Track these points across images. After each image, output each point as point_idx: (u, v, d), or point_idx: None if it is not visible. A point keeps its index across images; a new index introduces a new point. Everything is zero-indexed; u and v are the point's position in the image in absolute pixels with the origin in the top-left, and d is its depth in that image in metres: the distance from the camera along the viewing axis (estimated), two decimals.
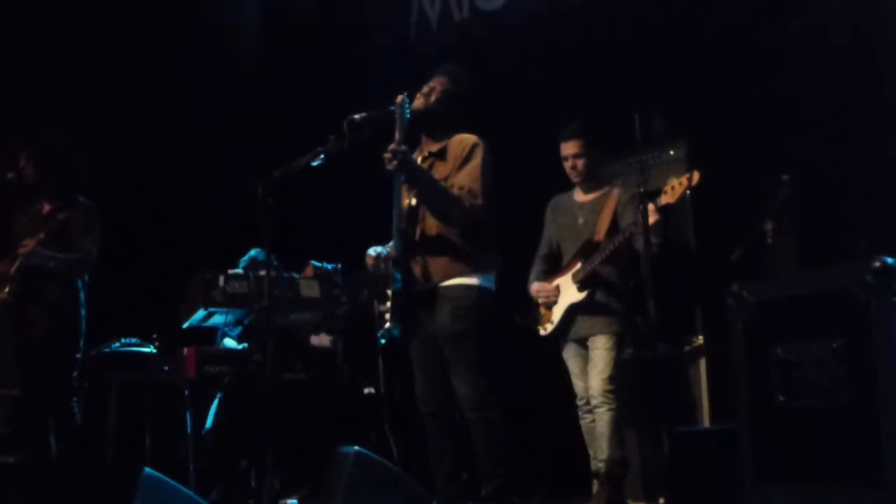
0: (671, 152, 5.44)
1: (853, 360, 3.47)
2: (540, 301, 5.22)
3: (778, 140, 5.13)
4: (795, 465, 3.61)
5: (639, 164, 4.67)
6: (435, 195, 4.29)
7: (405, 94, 4.37)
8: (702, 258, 5.38)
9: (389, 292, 4.35)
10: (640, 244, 4.84)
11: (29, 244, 5.16)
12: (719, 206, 5.23)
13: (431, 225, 4.37)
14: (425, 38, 7.36)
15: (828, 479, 3.48)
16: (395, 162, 4.23)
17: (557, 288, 5.15)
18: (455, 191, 4.31)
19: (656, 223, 4.68)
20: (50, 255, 5.20)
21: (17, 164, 5.40)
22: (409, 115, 4.32)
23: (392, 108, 4.32)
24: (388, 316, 4.37)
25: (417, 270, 4.37)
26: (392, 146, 4.23)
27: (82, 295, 5.37)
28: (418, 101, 4.44)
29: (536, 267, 5.35)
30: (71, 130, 5.55)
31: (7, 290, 5.23)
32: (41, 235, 5.18)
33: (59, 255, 5.22)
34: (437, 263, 4.35)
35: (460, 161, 4.39)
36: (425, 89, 4.48)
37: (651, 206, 4.68)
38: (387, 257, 4.43)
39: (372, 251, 4.55)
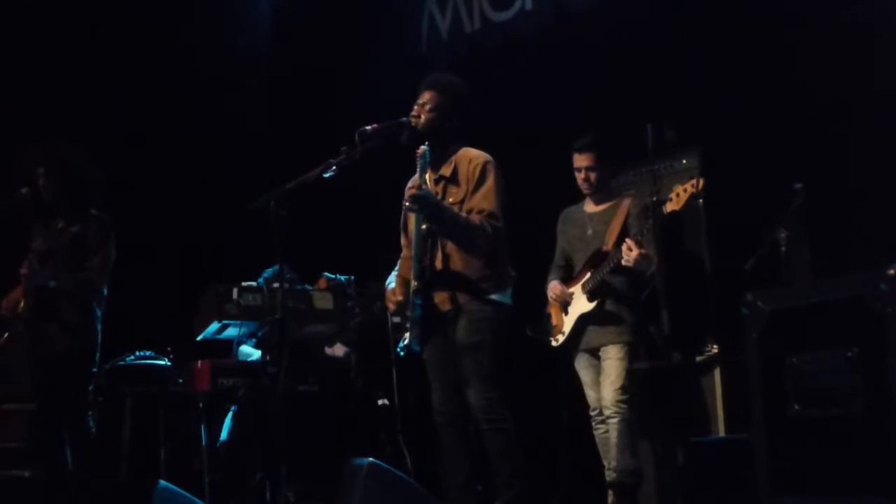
0: (684, 161, 5.42)
1: (868, 369, 3.45)
2: (553, 298, 5.20)
3: (791, 148, 5.12)
4: (810, 474, 3.59)
5: (651, 174, 4.68)
6: (459, 230, 4.27)
7: (426, 144, 4.35)
8: (715, 267, 5.36)
9: (408, 314, 4.36)
10: (639, 266, 4.85)
11: (30, 265, 5.19)
12: (733, 215, 5.22)
13: (449, 250, 4.37)
14: (436, 50, 7.37)
15: (843, 489, 3.46)
16: (416, 206, 4.23)
17: (571, 294, 5.15)
18: (474, 215, 4.30)
19: (637, 258, 4.72)
20: (50, 275, 5.20)
21: (35, 178, 5.41)
22: (428, 161, 4.33)
23: (403, 124, 4.34)
24: (407, 334, 4.38)
25: (439, 297, 4.36)
26: (412, 188, 4.23)
27: (98, 310, 5.38)
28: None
29: (552, 275, 5.35)
30: (84, 143, 5.56)
31: (22, 305, 5.25)
32: (31, 257, 5.23)
33: (61, 276, 5.22)
34: (457, 288, 4.34)
35: (474, 184, 4.36)
36: (415, 111, 4.43)
37: (631, 242, 4.72)
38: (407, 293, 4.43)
39: (392, 293, 4.58)
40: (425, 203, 4.23)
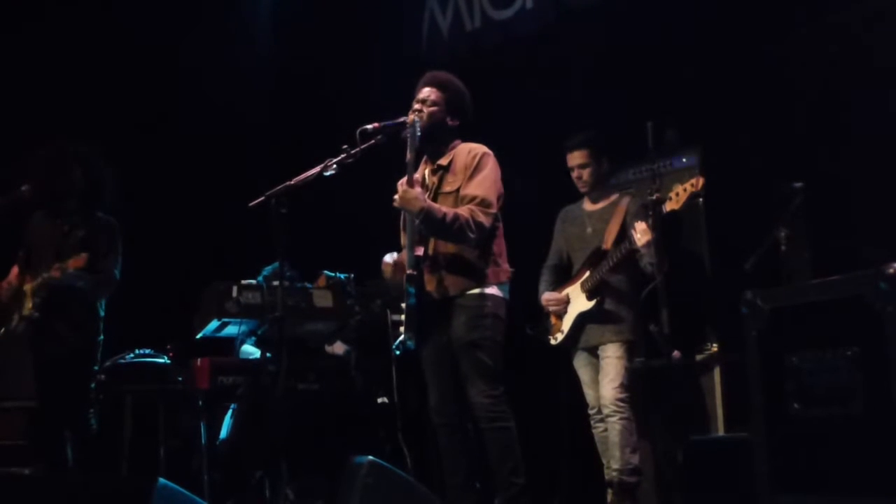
0: (684, 160, 5.43)
1: (868, 368, 3.45)
2: (551, 310, 5.22)
3: (791, 148, 5.12)
4: (810, 473, 3.59)
5: (651, 173, 4.67)
6: (446, 231, 4.28)
7: (416, 113, 4.36)
8: (715, 266, 5.36)
9: (403, 306, 4.35)
10: (643, 262, 4.84)
11: (61, 268, 5.12)
12: (732, 214, 5.22)
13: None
14: (437, 49, 7.37)
15: (843, 488, 3.46)
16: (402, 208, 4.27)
17: (568, 297, 5.15)
18: (466, 203, 4.30)
19: (648, 242, 4.70)
20: (78, 274, 5.17)
21: (63, 171, 5.35)
22: (419, 134, 4.32)
23: (404, 123, 4.33)
24: (402, 328, 4.37)
25: (432, 284, 4.36)
26: (402, 184, 4.24)
27: (101, 310, 5.39)
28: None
29: (545, 277, 5.36)
30: (84, 142, 5.56)
31: (30, 305, 5.24)
32: (81, 256, 5.15)
33: (87, 275, 5.19)
34: (451, 276, 4.35)
35: (470, 171, 4.38)
36: (416, 106, 4.43)
37: (644, 226, 4.70)
38: (401, 265, 4.42)
39: (388, 257, 4.56)
40: (409, 209, 4.25)
